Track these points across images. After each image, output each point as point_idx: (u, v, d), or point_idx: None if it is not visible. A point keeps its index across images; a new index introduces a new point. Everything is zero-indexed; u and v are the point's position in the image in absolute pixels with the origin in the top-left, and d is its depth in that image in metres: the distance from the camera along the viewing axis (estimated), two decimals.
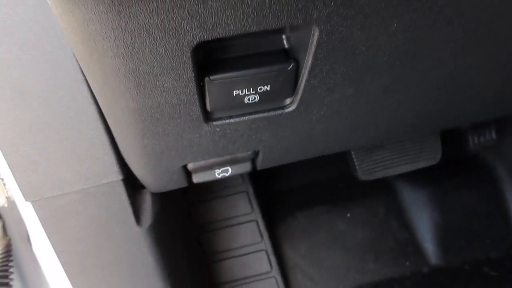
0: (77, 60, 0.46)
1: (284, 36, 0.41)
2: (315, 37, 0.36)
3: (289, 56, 0.41)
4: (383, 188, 1.23)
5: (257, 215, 1.04)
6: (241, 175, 1.06)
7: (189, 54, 0.33)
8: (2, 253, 0.67)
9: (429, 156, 1.10)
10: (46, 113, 0.47)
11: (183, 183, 0.59)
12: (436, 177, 1.23)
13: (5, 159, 0.47)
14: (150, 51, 0.31)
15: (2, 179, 0.60)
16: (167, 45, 0.31)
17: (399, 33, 0.38)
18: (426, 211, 1.21)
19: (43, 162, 0.48)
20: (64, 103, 0.47)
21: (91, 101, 0.48)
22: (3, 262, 0.67)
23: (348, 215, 1.19)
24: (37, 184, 0.49)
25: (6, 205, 0.62)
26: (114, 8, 0.26)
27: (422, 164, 1.09)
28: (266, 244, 1.02)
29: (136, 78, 0.34)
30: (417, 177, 1.23)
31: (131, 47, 0.30)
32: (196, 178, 0.59)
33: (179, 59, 0.33)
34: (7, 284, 0.68)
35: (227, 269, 1.00)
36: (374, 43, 0.38)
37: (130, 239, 0.57)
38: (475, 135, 1.16)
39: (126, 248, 0.58)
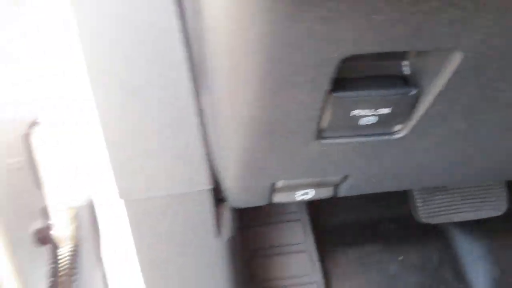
0: (188, 67, 0.47)
1: (407, 60, 0.40)
2: (454, 64, 0.35)
3: (410, 81, 0.41)
4: (437, 234, 1.19)
5: (310, 245, 1.01)
6: (297, 203, 1.05)
7: (333, 68, 0.33)
8: (70, 253, 0.67)
9: (494, 206, 1.05)
10: (152, 117, 0.48)
11: (264, 201, 0.58)
12: (495, 229, 1.17)
13: (110, 157, 0.48)
14: (302, 59, 0.31)
15: (84, 180, 0.61)
16: (321, 55, 0.31)
17: None
18: (482, 264, 1.15)
19: (144, 164, 0.49)
20: (169, 109, 0.48)
21: (194, 110, 0.48)
22: (70, 262, 0.67)
23: (400, 258, 1.14)
24: (134, 184, 0.50)
25: (85, 204, 0.63)
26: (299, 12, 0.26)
27: (485, 214, 1.04)
28: (317, 276, 0.99)
29: (275, 86, 0.34)
30: (474, 226, 1.18)
31: (287, 52, 0.30)
32: (277, 198, 0.58)
33: (323, 70, 0.33)
34: (70, 283, 0.68)
35: None
36: None
37: (207, 249, 0.57)
38: None
39: (202, 257, 0.57)
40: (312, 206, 1.06)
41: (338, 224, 1.14)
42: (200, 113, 0.49)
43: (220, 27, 0.32)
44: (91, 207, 0.62)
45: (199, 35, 0.40)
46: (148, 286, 0.59)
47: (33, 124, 0.59)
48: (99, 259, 0.69)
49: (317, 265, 1.01)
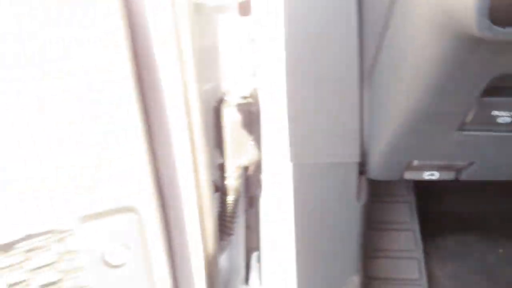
0: (358, 63, 0.62)
1: None
2: None
3: None
4: None
5: (414, 225, 1.13)
6: (407, 187, 1.16)
7: (489, 81, 0.45)
8: (233, 201, 0.86)
9: None
10: (326, 98, 0.64)
11: (397, 177, 0.72)
12: None
13: (289, 123, 0.65)
14: (469, 75, 0.45)
15: (254, 144, 0.80)
16: (485, 73, 0.44)
17: None
18: None
19: (316, 134, 0.66)
20: (338, 96, 0.64)
21: (357, 96, 0.64)
22: (232, 208, 0.86)
23: (501, 251, 1.20)
24: (305, 150, 0.67)
25: (251, 165, 0.82)
26: None
27: None
28: (419, 254, 1.11)
29: (439, 89, 0.48)
30: None
31: (459, 69, 0.44)
32: (408, 175, 0.71)
33: (482, 83, 0.46)
34: (231, 229, 0.88)
35: (379, 267, 1.11)
36: None
37: (348, 212, 0.73)
38: None
39: (342, 219, 0.74)
40: (420, 191, 1.17)
41: (442, 211, 1.23)
42: (361, 99, 0.64)
43: (416, 39, 0.46)
44: (258, 167, 0.80)
45: (381, 41, 0.55)
46: (298, 243, 0.77)
47: (224, 94, 0.79)
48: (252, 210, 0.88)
49: (420, 244, 1.12)
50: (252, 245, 0.98)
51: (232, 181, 0.82)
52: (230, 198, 0.84)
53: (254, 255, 1.00)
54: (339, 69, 0.62)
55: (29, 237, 0.54)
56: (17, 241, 0.57)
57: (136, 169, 0.54)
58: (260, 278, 0.97)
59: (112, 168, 0.53)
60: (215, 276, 0.79)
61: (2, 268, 0.56)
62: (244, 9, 0.74)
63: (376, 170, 0.70)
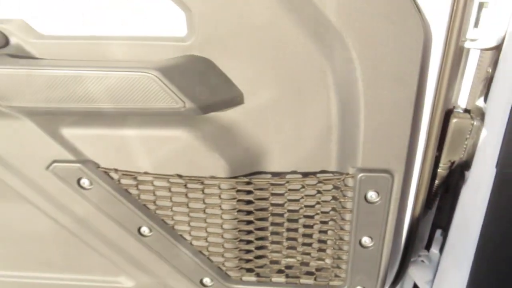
0: None
1: None
2: None
3: None
4: None
5: None
6: None
7: None
8: (437, 185, 1.13)
9: None
10: None
11: None
12: None
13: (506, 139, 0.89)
14: None
15: None
16: None
17: None
18: None
19: None
20: None
21: None
22: (435, 191, 1.13)
23: None
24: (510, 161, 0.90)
25: (460, 162, 1.08)
26: None
27: None
28: None
29: None
30: None
31: None
32: None
33: None
34: (431, 204, 1.15)
35: None
36: None
37: None
38: None
39: None
40: None
41: None
42: None
43: None
44: (465, 165, 1.06)
45: None
46: (480, 239, 0.95)
47: (453, 105, 1.05)
48: None
49: None
50: (437, 222, 1.24)
51: (441, 170, 1.09)
52: (436, 182, 1.12)
53: (438, 231, 1.26)
54: None
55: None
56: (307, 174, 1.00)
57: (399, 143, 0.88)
58: (439, 250, 1.23)
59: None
60: (415, 232, 1.10)
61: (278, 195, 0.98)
62: None
63: None
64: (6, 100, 0.92)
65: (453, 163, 1.08)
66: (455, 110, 1.04)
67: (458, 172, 1.09)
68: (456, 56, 0.87)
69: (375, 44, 0.83)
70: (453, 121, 1.01)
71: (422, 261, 1.28)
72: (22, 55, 0.95)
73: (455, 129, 1.02)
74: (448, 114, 1.03)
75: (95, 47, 0.93)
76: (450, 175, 1.11)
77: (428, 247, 1.29)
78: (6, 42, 0.95)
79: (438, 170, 1.09)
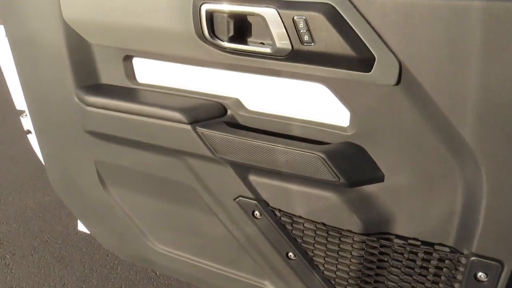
0: None
1: None
2: None
3: None
4: None
5: None
6: None
7: None
8: None
9: None
10: None
11: None
12: None
13: None
14: None
15: None
16: None
17: None
18: None
19: None
20: None
21: None
22: None
23: None
24: None
25: None
26: None
27: None
28: None
29: None
30: None
31: None
32: None
33: None
34: None
35: None
36: None
37: None
38: None
39: None
40: None
41: None
42: None
43: None
44: None
45: None
46: None
47: None
48: None
49: None
50: None
51: None
52: None
53: None
54: None
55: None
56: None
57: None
58: None
59: None
60: None
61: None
62: None
63: None
64: (220, 153, 1.38)
65: None
66: None
67: None
68: None
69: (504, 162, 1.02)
70: None
71: None
72: (234, 123, 1.40)
73: None
74: None
75: (281, 124, 1.33)
76: None
77: None
78: (225, 113, 1.42)
79: None
